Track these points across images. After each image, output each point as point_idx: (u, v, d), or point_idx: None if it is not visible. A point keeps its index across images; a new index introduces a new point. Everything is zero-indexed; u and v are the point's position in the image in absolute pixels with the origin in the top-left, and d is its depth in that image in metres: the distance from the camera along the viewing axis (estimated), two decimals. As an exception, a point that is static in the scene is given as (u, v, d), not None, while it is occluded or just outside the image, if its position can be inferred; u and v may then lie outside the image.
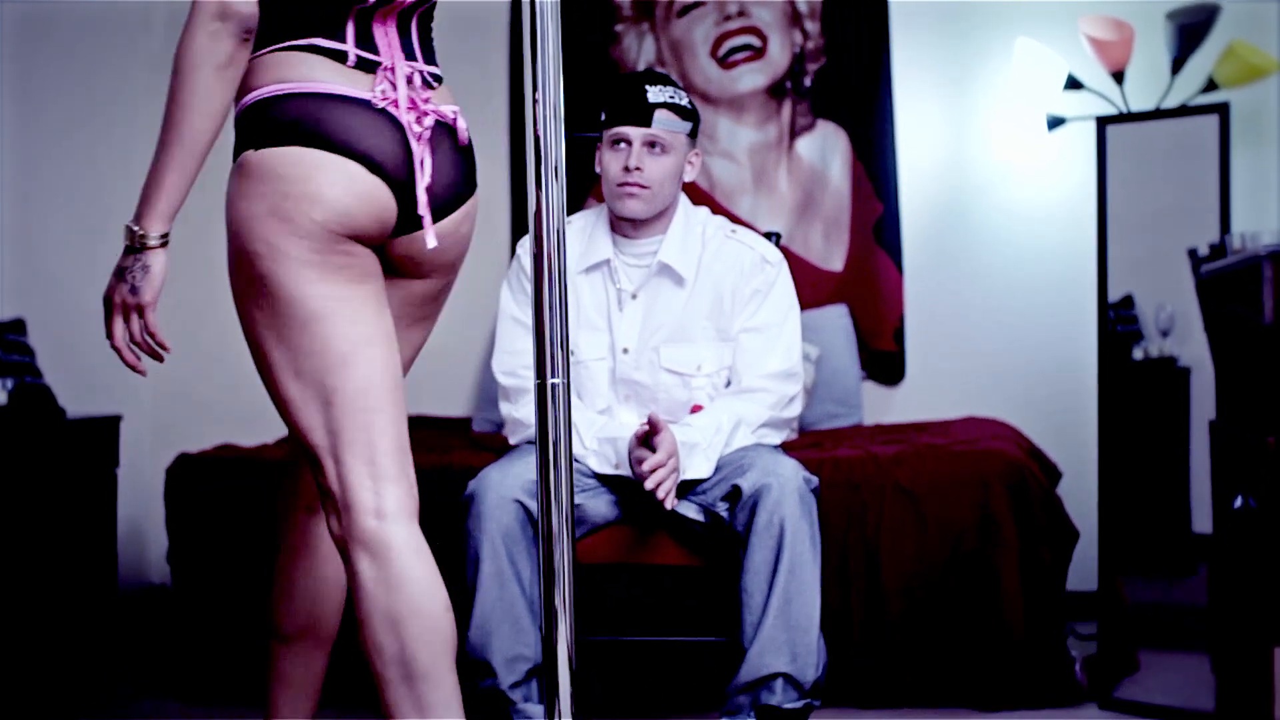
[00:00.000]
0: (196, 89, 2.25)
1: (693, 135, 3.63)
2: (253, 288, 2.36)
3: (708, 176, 5.53)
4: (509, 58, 5.70)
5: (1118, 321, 4.63)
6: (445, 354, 5.68)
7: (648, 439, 3.34)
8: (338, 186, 2.31)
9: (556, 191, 2.20)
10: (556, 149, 2.20)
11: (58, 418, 4.20)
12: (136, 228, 2.31)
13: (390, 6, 2.40)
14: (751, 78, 5.57)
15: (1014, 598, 3.91)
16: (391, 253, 2.45)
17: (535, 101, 2.17)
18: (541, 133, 2.18)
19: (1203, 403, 4.36)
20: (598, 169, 3.63)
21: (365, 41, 2.38)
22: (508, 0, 5.69)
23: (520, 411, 3.58)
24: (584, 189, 5.48)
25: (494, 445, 4.25)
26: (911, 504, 4.00)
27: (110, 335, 2.36)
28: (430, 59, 2.50)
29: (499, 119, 5.72)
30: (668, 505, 3.32)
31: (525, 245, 3.67)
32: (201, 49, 2.24)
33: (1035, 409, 5.21)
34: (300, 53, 2.35)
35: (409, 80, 2.41)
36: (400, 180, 2.38)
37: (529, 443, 3.57)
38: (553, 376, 2.20)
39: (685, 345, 3.58)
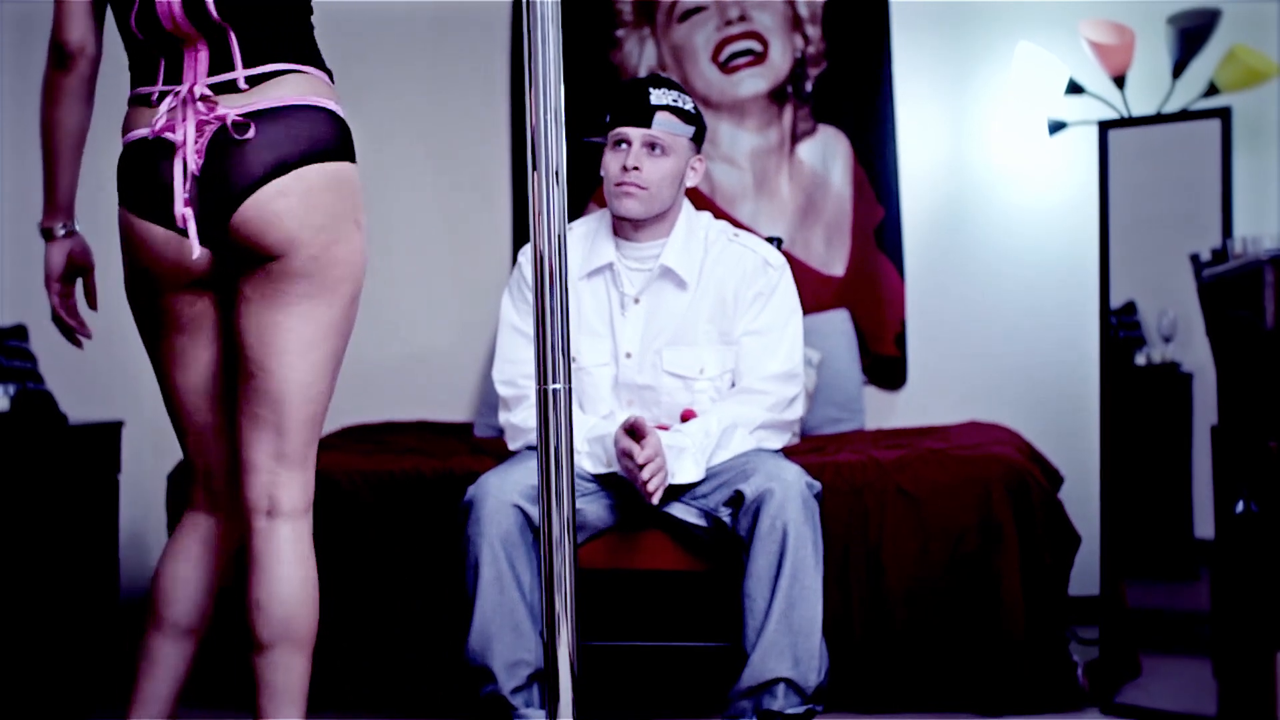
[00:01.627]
0: (43, 112, 2.70)
1: (697, 140, 3.63)
2: None
3: (709, 181, 5.53)
4: (510, 62, 5.70)
5: (1120, 327, 4.63)
6: (447, 359, 5.71)
7: (631, 433, 3.35)
8: (132, 249, 2.65)
9: (558, 196, 2.21)
10: (557, 153, 2.20)
11: (59, 424, 4.19)
12: (42, 225, 2.80)
13: (194, 37, 2.57)
14: (752, 82, 5.56)
15: (1016, 602, 3.90)
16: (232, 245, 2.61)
17: (533, 105, 2.17)
18: (541, 137, 2.19)
19: (1205, 408, 4.36)
20: (603, 172, 3.63)
21: (174, 76, 2.59)
22: (509, 4, 5.69)
23: (518, 418, 3.59)
24: (585, 194, 5.48)
25: (496, 451, 4.25)
26: (913, 508, 3.99)
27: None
28: (268, 57, 2.61)
29: (500, 123, 5.72)
30: (654, 500, 3.32)
31: (526, 254, 3.67)
32: (45, 79, 2.68)
33: (1037, 413, 5.20)
34: (130, 106, 2.66)
35: (191, 99, 2.55)
36: (165, 207, 2.58)
37: (529, 448, 3.58)
38: (554, 381, 2.20)
39: (688, 348, 3.59)
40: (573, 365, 3.61)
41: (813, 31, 5.53)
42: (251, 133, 2.52)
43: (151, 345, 2.77)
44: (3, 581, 3.87)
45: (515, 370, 3.61)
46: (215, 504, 2.84)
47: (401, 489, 4.15)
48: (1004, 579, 3.91)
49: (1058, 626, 3.98)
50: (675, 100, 3.57)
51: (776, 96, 5.54)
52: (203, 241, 2.57)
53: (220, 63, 2.57)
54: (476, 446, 4.76)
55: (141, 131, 2.59)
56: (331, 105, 2.63)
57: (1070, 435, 5.07)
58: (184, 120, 2.54)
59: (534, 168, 2.20)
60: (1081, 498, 4.69)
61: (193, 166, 2.53)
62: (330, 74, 2.71)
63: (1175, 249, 4.52)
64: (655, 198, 3.57)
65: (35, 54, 2.76)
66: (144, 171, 2.58)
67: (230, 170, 2.52)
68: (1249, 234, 4.02)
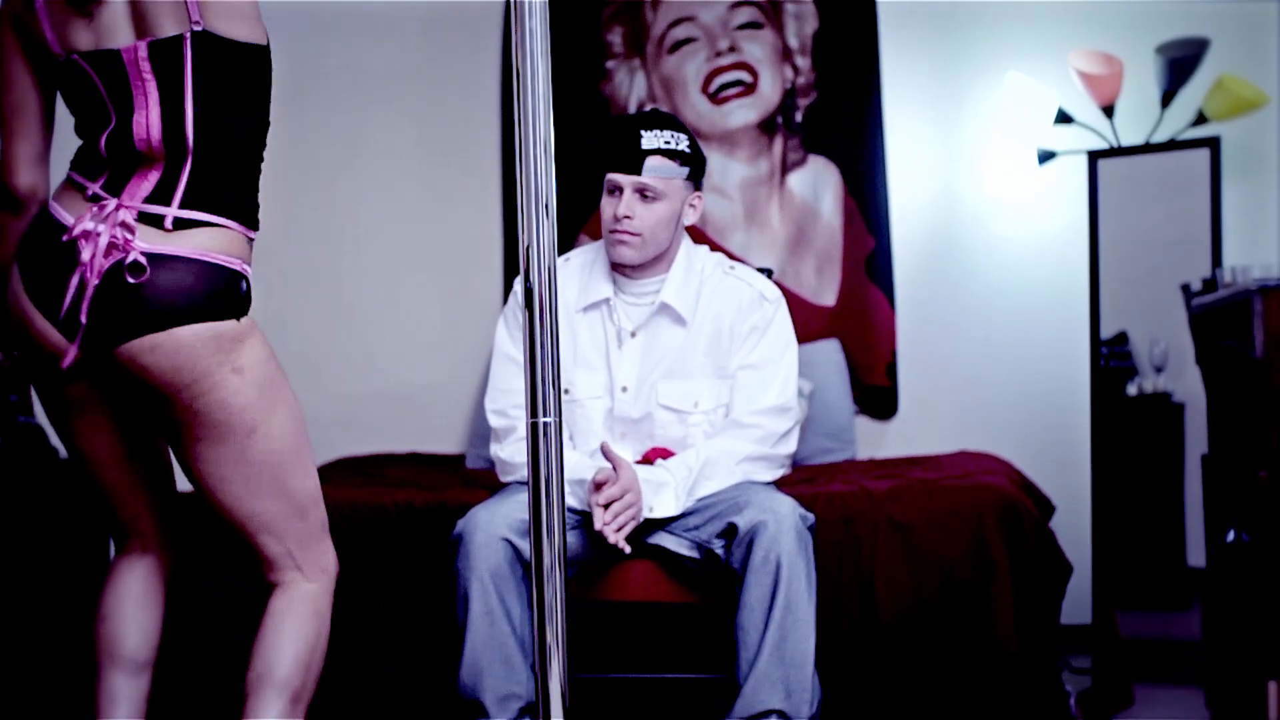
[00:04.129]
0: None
1: (695, 178, 3.61)
2: None
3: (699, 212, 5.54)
4: (500, 94, 5.71)
5: (1111, 357, 4.64)
6: (438, 391, 5.70)
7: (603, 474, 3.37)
8: (17, 323, 2.66)
9: (548, 228, 2.21)
10: (547, 186, 2.20)
11: (50, 458, 4.19)
12: None
13: (156, 160, 2.60)
14: (743, 113, 5.58)
15: (1008, 632, 3.89)
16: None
17: (523, 137, 2.18)
18: (531, 170, 2.19)
19: (1197, 437, 4.37)
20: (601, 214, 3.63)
21: (116, 187, 2.60)
22: (499, 36, 5.70)
23: (507, 452, 3.58)
24: (576, 225, 5.49)
25: (487, 483, 4.24)
26: (905, 538, 3.99)
27: None
28: (204, 204, 2.61)
29: (490, 155, 5.73)
30: (622, 546, 3.32)
31: (522, 282, 3.66)
32: None
33: (1028, 443, 5.20)
34: (67, 177, 2.68)
35: (110, 217, 2.56)
36: (55, 306, 2.60)
37: (520, 482, 3.57)
38: (544, 415, 2.20)
39: (683, 381, 3.58)
40: (566, 397, 3.61)
41: (802, 62, 5.54)
42: (146, 276, 2.53)
43: (51, 418, 2.82)
44: (-5, 615, 3.86)
45: (507, 400, 3.60)
46: (146, 544, 2.95)
47: (393, 521, 4.15)
48: (996, 608, 3.90)
49: (1050, 656, 3.97)
50: (668, 142, 3.53)
51: (766, 127, 5.56)
52: (83, 354, 2.60)
53: (162, 193, 2.59)
54: (468, 478, 4.75)
55: (59, 215, 2.61)
56: (236, 265, 2.63)
57: (1062, 465, 5.06)
58: (97, 234, 2.55)
59: (523, 200, 2.20)
60: (1073, 527, 4.69)
61: (89, 285, 2.54)
62: (255, 225, 2.71)
63: (1166, 278, 4.54)
64: (649, 243, 3.55)
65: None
66: (48, 262, 2.59)
67: (116, 305, 2.54)
68: (1238, 263, 4.04)
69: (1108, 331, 4.64)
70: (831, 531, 3.98)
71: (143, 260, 2.52)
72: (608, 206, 3.57)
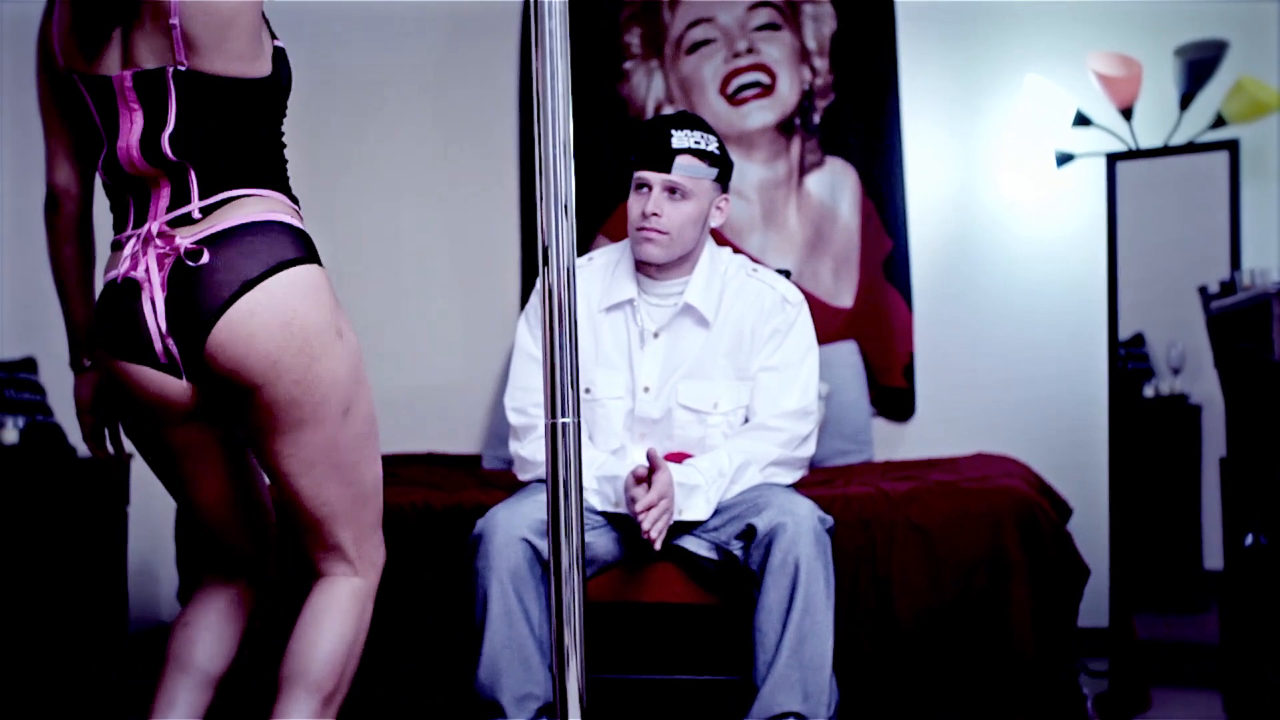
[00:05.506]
0: (48, 250, 2.80)
1: (722, 180, 3.61)
2: None
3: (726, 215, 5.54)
4: (518, 94, 5.72)
5: (1128, 359, 4.63)
6: (455, 392, 5.71)
7: (647, 477, 3.34)
8: (120, 390, 2.66)
9: (566, 229, 2.21)
10: (566, 186, 2.20)
11: (69, 456, 4.20)
12: (70, 360, 2.85)
13: (155, 176, 2.60)
14: (761, 115, 5.58)
15: (1025, 635, 3.89)
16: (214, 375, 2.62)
17: (542, 138, 2.18)
18: (550, 170, 2.19)
19: (1214, 440, 4.36)
20: (629, 213, 3.62)
21: (141, 217, 2.62)
22: (517, 38, 5.71)
23: (527, 450, 3.58)
24: (595, 225, 5.49)
25: (504, 483, 4.24)
26: (922, 541, 3.98)
27: None
28: (225, 185, 2.61)
29: (509, 155, 5.73)
30: (656, 545, 3.32)
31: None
32: (44, 218, 2.77)
33: (1046, 445, 5.19)
34: (110, 252, 2.69)
35: (148, 239, 2.58)
36: (145, 347, 2.59)
37: (538, 481, 3.57)
38: (563, 415, 2.20)
39: (703, 382, 3.58)
40: (586, 397, 3.61)
41: (820, 64, 5.54)
42: (206, 258, 2.52)
43: (160, 472, 2.81)
44: (13, 613, 3.87)
45: (527, 399, 3.60)
46: (241, 573, 2.92)
47: (410, 522, 4.15)
48: (1013, 611, 3.90)
49: (1067, 658, 3.96)
50: (698, 142, 3.53)
51: (784, 129, 5.55)
52: (187, 375, 2.59)
53: (180, 198, 2.58)
54: (485, 479, 4.76)
55: (111, 274, 2.62)
56: (289, 219, 2.63)
57: (1079, 467, 5.05)
58: (144, 257, 2.55)
59: (542, 200, 2.20)
60: (1090, 529, 4.69)
61: (160, 303, 2.54)
62: (294, 197, 2.71)
63: (1183, 281, 4.53)
64: (676, 242, 3.55)
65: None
66: (117, 314, 2.59)
67: (196, 298, 2.53)
68: (1257, 266, 4.03)
69: (1124, 333, 4.63)
70: (848, 534, 3.97)
71: (195, 245, 2.52)
72: (635, 204, 3.57)
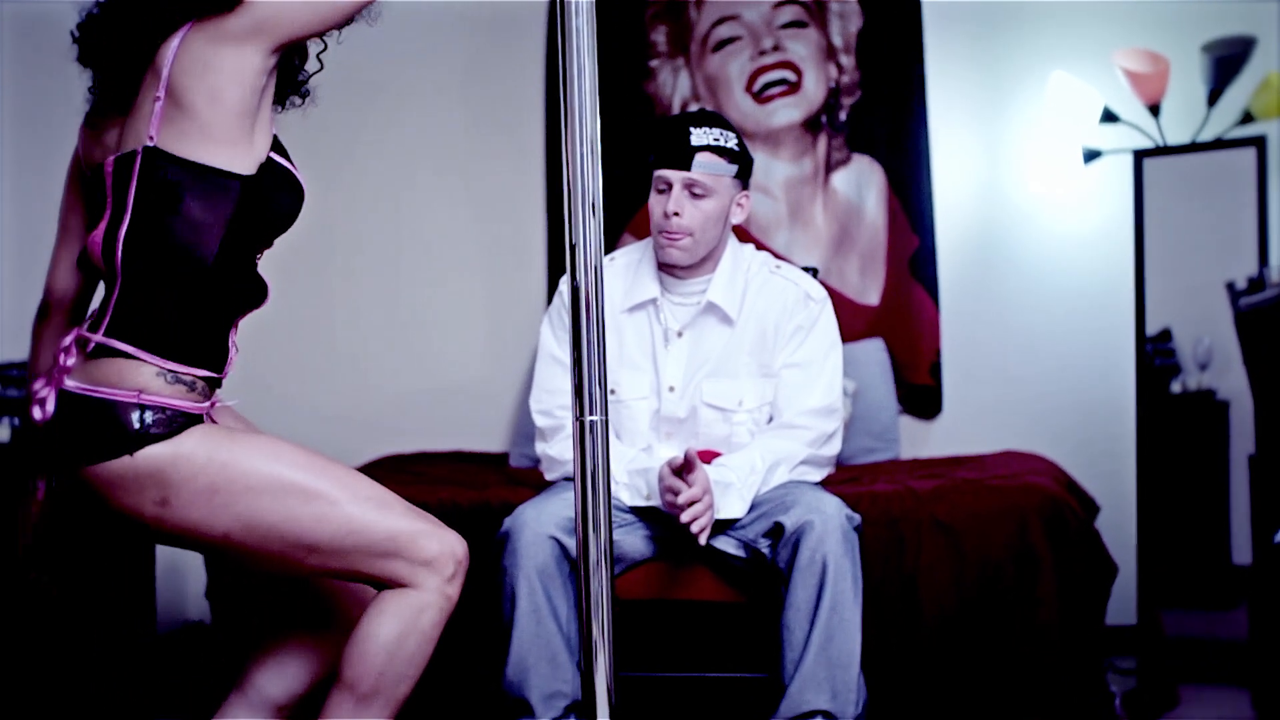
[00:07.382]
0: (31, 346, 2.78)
1: (743, 177, 3.60)
2: None
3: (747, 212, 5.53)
4: (545, 92, 5.72)
5: (1156, 355, 4.62)
6: (481, 389, 5.72)
7: (680, 470, 3.33)
8: None
9: (594, 227, 2.21)
10: (593, 185, 2.20)
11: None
12: None
13: (110, 282, 2.52)
14: (787, 112, 5.57)
15: (1053, 632, 3.88)
16: None
17: (569, 136, 2.18)
18: (578, 168, 2.19)
19: (1242, 436, 4.34)
20: (650, 213, 3.62)
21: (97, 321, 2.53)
22: (543, 35, 5.71)
23: (555, 449, 3.58)
24: (620, 223, 5.50)
25: (531, 481, 4.25)
26: (949, 539, 3.98)
27: None
28: (120, 332, 2.49)
29: (535, 153, 5.74)
30: (701, 541, 3.31)
31: (567, 282, 3.67)
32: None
33: (1073, 443, 5.18)
34: None
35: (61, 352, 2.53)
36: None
37: (565, 479, 3.58)
38: (591, 413, 2.20)
39: (727, 380, 3.58)
40: (612, 398, 3.61)
41: (846, 61, 5.53)
42: (43, 415, 2.50)
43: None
44: (39, 614, 3.88)
45: (552, 401, 3.61)
46: (331, 623, 2.90)
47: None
48: (1041, 609, 3.89)
49: (1095, 656, 3.96)
50: (717, 139, 3.53)
51: (811, 126, 5.55)
52: None
53: (102, 312, 2.52)
54: (512, 477, 4.76)
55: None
56: (122, 397, 2.45)
57: (1106, 464, 5.04)
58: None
59: (570, 199, 2.20)
60: (1118, 527, 4.67)
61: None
62: (182, 356, 2.52)
63: (1211, 277, 4.52)
64: (699, 242, 3.55)
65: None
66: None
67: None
68: (1285, 262, 4.02)
69: (1151, 329, 4.62)
70: (875, 531, 3.97)
71: (44, 394, 2.49)
72: (656, 205, 3.57)
